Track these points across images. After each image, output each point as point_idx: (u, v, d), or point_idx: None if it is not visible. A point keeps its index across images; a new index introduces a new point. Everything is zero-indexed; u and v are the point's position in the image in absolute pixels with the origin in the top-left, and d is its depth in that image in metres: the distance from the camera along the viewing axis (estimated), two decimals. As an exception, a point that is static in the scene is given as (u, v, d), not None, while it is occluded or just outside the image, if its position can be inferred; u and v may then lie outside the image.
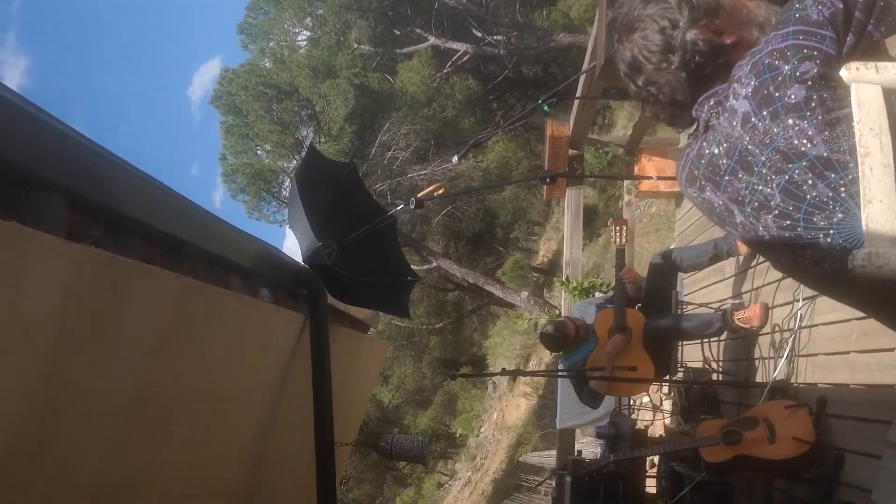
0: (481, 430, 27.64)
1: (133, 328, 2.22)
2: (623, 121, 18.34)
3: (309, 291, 3.96)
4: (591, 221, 19.66)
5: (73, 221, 2.01)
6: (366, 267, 4.49)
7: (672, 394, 6.60)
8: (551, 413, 16.16)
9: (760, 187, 1.45)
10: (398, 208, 4.29)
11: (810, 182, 1.38)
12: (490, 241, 28.36)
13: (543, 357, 20.34)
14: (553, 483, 4.94)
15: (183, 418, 2.77)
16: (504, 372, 4.09)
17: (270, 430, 3.85)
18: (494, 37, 21.74)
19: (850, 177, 1.34)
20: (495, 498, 20.25)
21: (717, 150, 1.52)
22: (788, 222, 1.43)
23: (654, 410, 7.47)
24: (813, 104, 1.37)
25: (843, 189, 1.36)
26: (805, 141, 1.38)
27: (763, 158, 1.43)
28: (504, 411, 25.17)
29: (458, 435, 29.89)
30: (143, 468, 2.56)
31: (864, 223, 1.30)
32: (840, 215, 1.37)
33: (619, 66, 1.70)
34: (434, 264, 22.54)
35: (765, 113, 1.42)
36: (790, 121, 1.39)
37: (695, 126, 1.63)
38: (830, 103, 1.37)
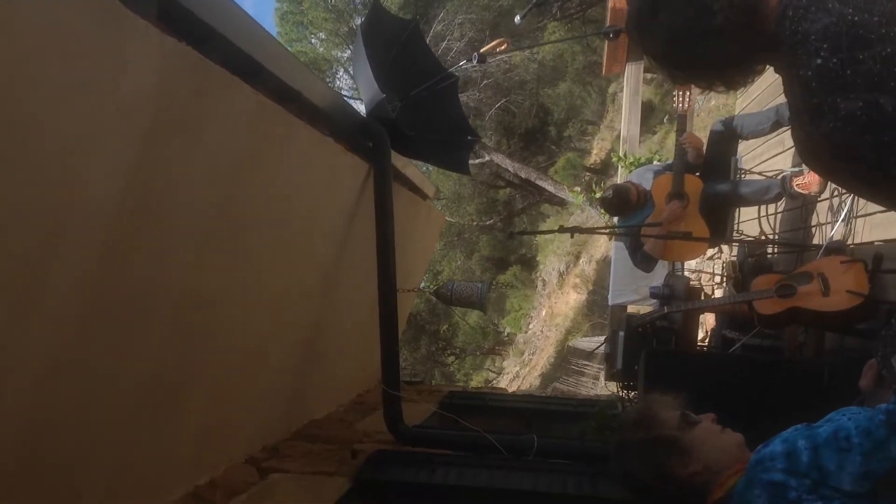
0: (530, 326, 27.85)
1: (215, 135, 2.31)
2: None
3: (374, 142, 4.03)
4: (647, 118, 19.29)
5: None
6: (427, 124, 4.54)
7: (725, 268, 6.62)
8: (600, 307, 16.29)
9: (889, 50, 1.26)
10: (461, 64, 4.31)
11: None
12: (543, 138, 27.96)
13: (594, 254, 20.38)
14: (605, 347, 5.01)
15: (258, 239, 2.90)
16: (562, 229, 4.14)
17: (335, 270, 3.98)
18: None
19: None
20: (542, 389, 20.61)
21: (819, 60, 1.32)
22: None
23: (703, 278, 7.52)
24: None
25: None
26: None
27: (876, 18, 1.27)
28: (553, 307, 25.33)
29: (506, 333, 30.17)
30: (224, 279, 2.70)
31: None
32: None
33: None
34: (486, 158, 22.45)
35: None
36: None
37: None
38: None
